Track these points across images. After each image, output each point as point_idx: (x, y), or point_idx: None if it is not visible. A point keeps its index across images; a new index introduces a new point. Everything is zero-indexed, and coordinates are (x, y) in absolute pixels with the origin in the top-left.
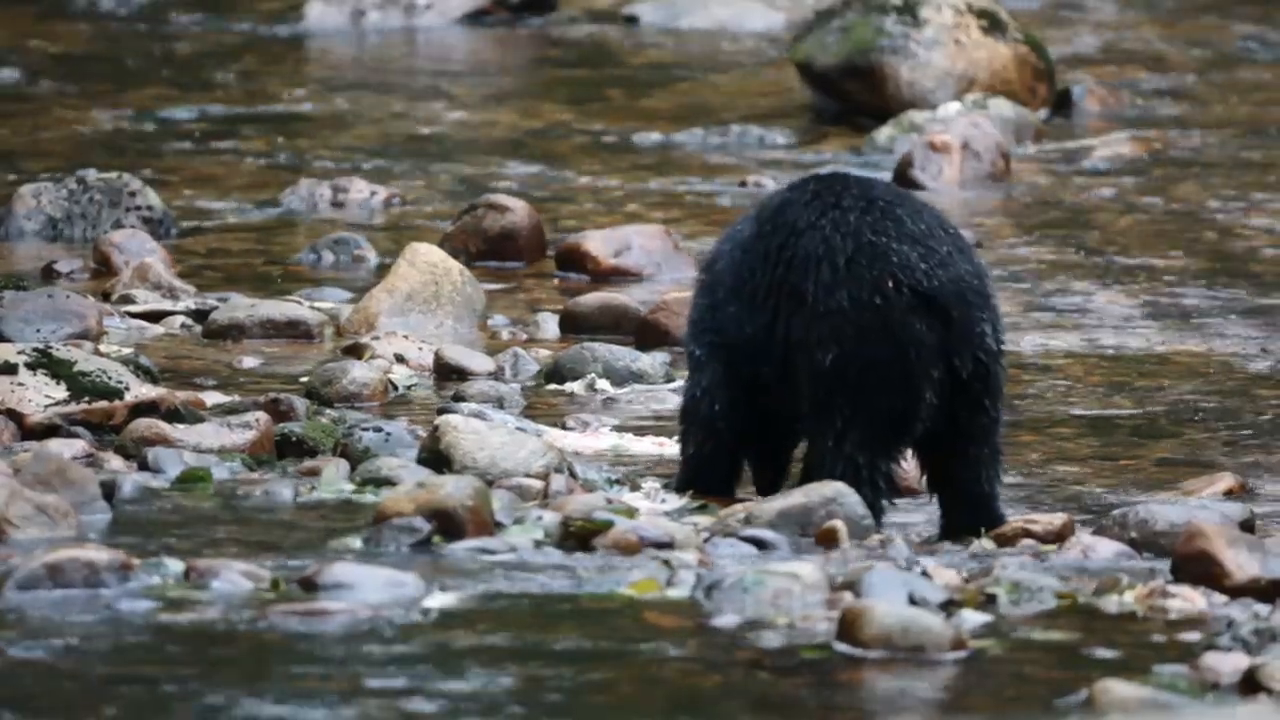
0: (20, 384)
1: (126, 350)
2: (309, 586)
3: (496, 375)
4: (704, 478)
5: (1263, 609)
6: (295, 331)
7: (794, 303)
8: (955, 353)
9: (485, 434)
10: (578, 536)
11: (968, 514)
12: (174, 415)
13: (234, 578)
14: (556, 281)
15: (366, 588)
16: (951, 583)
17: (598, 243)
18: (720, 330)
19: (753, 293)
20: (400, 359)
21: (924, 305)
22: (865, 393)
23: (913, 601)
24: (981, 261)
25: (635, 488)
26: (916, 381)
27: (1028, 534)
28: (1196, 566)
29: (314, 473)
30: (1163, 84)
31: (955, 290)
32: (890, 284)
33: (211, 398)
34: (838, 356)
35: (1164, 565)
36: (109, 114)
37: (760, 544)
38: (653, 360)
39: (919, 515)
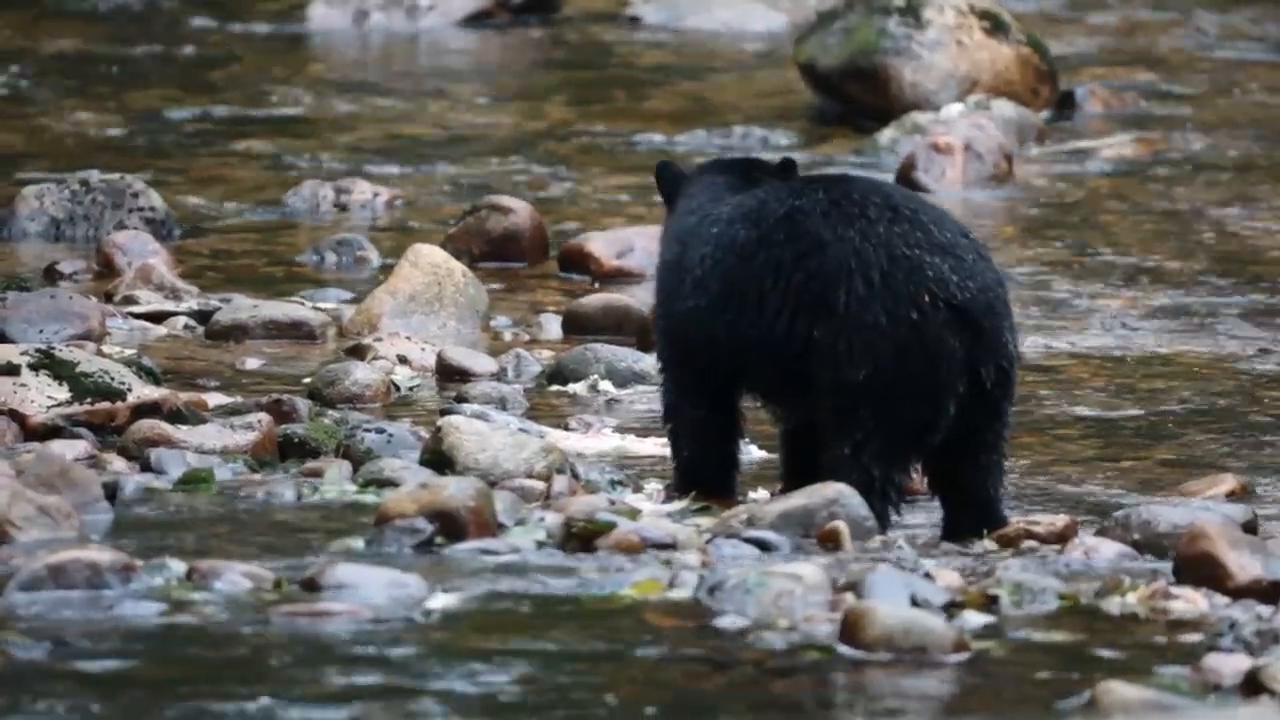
0: (23, 385)
1: (129, 351)
2: (311, 587)
3: (499, 376)
4: (700, 478)
5: (1265, 610)
6: (298, 332)
7: (818, 312)
8: (981, 363)
9: (487, 435)
10: (580, 538)
11: (972, 517)
12: (176, 416)
13: (236, 579)
14: (559, 283)
15: (369, 589)
16: (954, 584)
17: (600, 244)
18: (707, 338)
19: (759, 301)
20: (403, 360)
21: (958, 319)
22: (891, 406)
23: (915, 603)
24: (997, 265)
25: (638, 489)
26: (942, 395)
27: (1030, 535)
28: (1199, 568)
29: (316, 474)
30: (1165, 85)
31: (985, 301)
32: (927, 298)
33: (214, 399)
34: (871, 372)
35: (1166, 567)
36: (111, 115)
37: (763, 545)
38: (654, 361)
39: (921, 517)
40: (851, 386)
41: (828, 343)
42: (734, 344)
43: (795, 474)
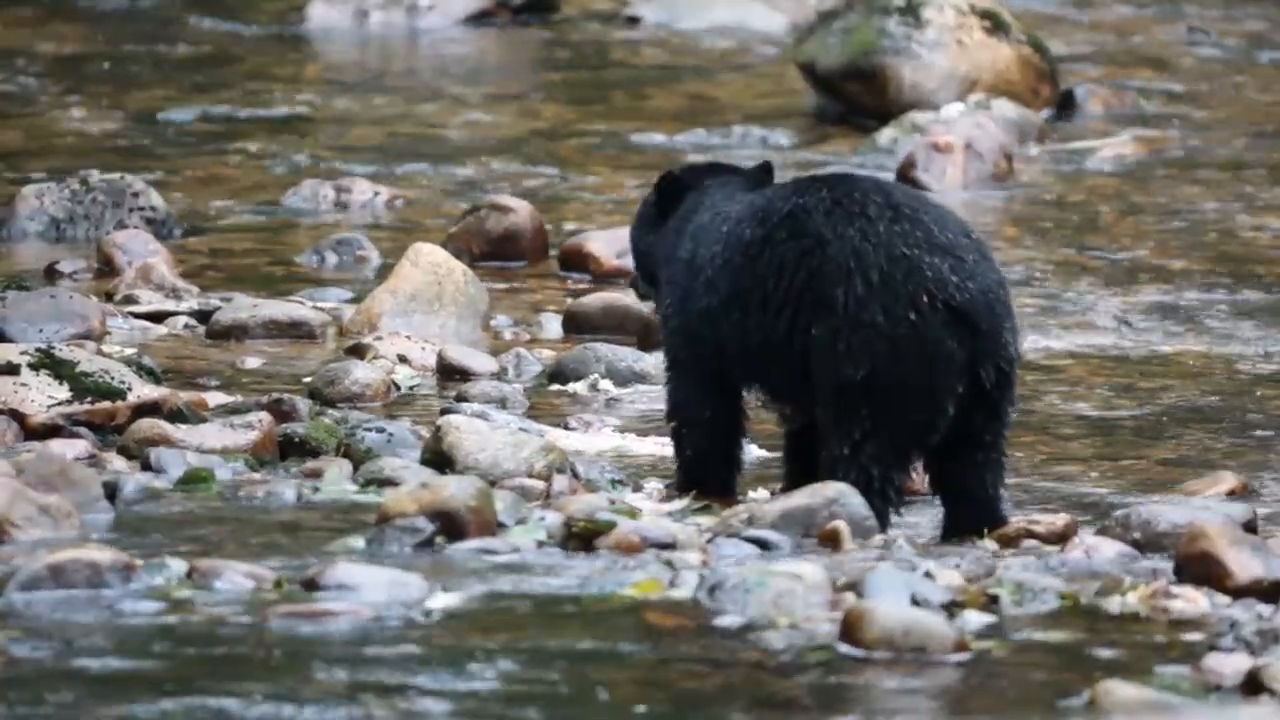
0: (23, 384)
1: (129, 351)
2: (312, 587)
3: (499, 376)
4: (703, 477)
5: (1265, 610)
6: (298, 332)
7: (818, 311)
8: (981, 364)
9: (488, 434)
10: (580, 537)
11: (972, 516)
12: (177, 416)
13: (236, 578)
14: (559, 282)
15: (369, 588)
16: (954, 583)
17: (600, 243)
18: (718, 339)
19: (763, 301)
20: (403, 359)
21: (956, 320)
22: (889, 406)
23: (915, 602)
24: (999, 265)
25: (638, 488)
26: (941, 396)
27: (1030, 534)
28: (1199, 567)
29: (317, 473)
30: (1166, 85)
31: (985, 302)
32: (925, 299)
33: (214, 398)
34: (869, 372)
35: (1167, 566)
36: (111, 115)
37: (763, 544)
38: (655, 360)
39: (921, 516)
40: (850, 385)
41: (826, 341)
42: (743, 343)
43: (798, 474)
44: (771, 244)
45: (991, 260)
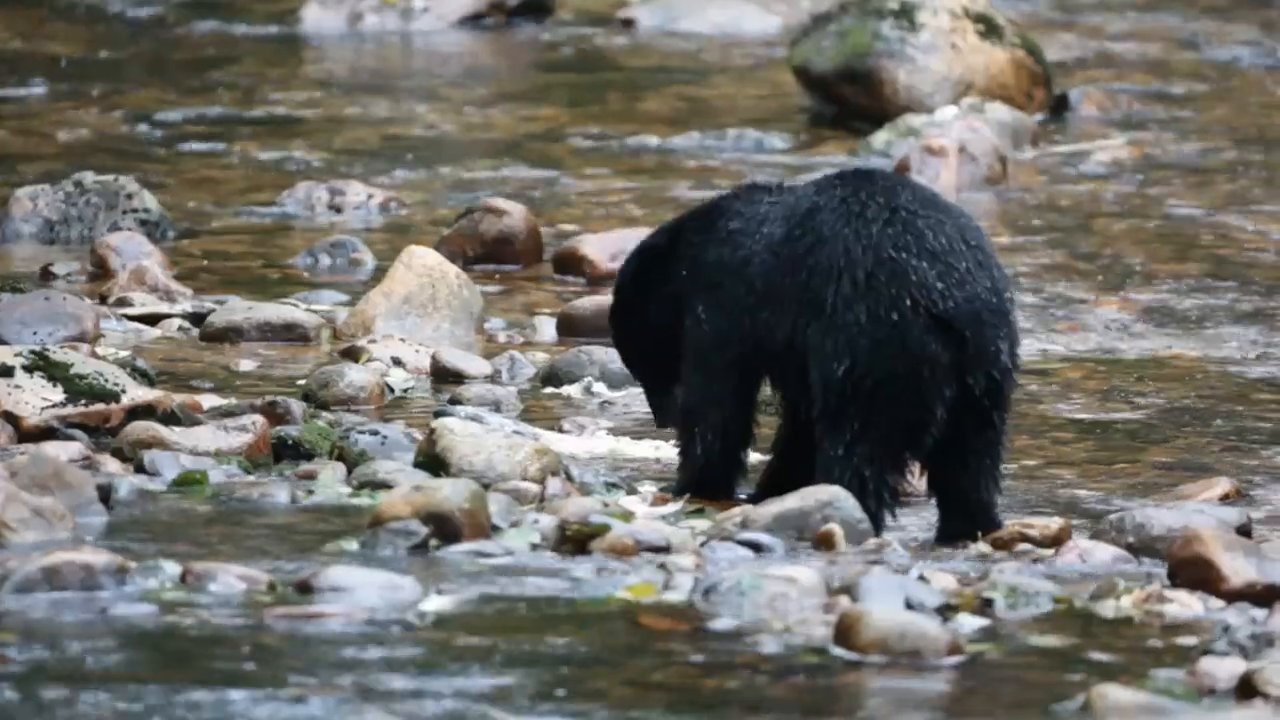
0: (17, 386)
1: (123, 353)
2: (305, 590)
3: (493, 378)
4: (710, 480)
5: (1259, 613)
6: (292, 334)
7: (813, 310)
8: (969, 371)
9: (481, 437)
10: (574, 540)
11: (966, 521)
12: (171, 418)
13: (230, 581)
14: (553, 285)
15: (363, 591)
16: (948, 587)
17: (595, 246)
18: (753, 339)
19: (782, 299)
20: (397, 362)
21: (939, 326)
22: (876, 407)
23: (909, 606)
24: (1003, 273)
25: (632, 491)
26: (928, 399)
27: (1025, 538)
28: (1193, 571)
29: (311, 476)
30: (1160, 89)
31: (971, 310)
32: (908, 303)
33: (208, 400)
34: (850, 369)
35: (1161, 570)
36: (106, 116)
37: (757, 548)
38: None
39: (916, 519)
40: (836, 384)
41: (817, 341)
42: (773, 341)
43: (778, 470)
44: (791, 242)
45: (990, 269)
